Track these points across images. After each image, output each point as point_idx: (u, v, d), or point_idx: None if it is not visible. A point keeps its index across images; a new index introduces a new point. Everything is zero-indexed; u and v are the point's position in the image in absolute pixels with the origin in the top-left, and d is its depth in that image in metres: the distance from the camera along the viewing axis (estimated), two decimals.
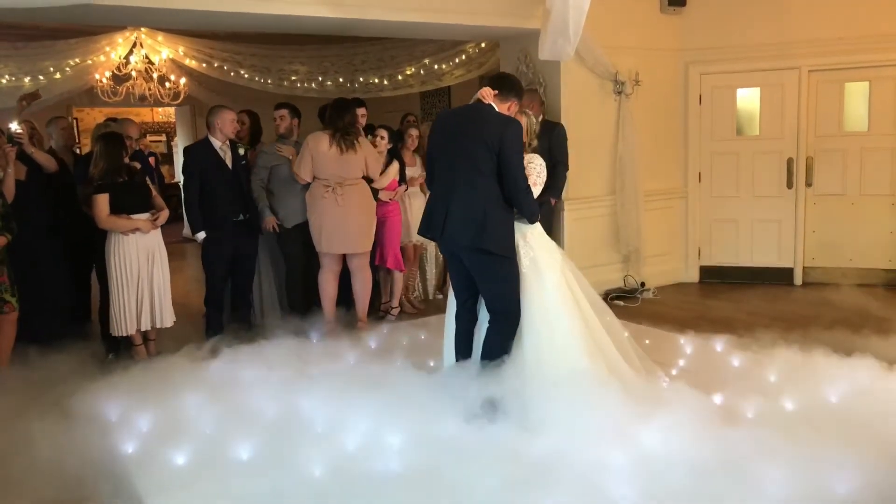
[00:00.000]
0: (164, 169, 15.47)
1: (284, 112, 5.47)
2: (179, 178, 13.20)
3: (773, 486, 2.68)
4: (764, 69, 6.59)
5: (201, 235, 5.09)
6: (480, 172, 3.41)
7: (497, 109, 3.54)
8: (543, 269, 3.53)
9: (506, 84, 3.62)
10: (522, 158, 3.50)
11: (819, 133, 6.59)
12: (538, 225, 3.70)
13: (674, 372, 4.22)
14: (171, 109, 13.08)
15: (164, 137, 15.53)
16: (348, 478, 2.94)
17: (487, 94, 3.54)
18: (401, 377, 3.84)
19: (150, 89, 8.04)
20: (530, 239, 3.63)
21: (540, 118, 5.83)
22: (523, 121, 3.68)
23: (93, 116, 14.30)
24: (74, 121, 12.57)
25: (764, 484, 2.71)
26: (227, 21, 5.19)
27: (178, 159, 14.22)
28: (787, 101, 6.58)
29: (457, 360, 3.72)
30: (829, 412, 3.40)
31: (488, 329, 3.54)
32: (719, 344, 4.60)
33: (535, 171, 3.64)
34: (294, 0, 4.72)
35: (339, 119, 5.16)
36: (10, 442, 3.52)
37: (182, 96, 8.43)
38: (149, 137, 15.44)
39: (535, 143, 3.78)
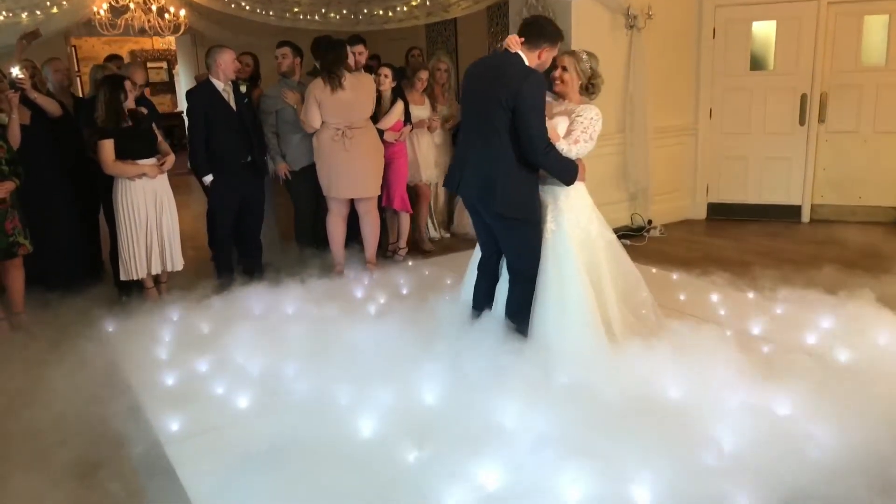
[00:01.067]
0: (167, 98, 15.30)
1: (286, 50, 5.36)
2: (181, 107, 13.13)
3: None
4: (781, 1, 6.38)
5: (209, 178, 5.07)
6: (496, 129, 3.24)
7: (526, 59, 3.30)
8: (567, 239, 3.36)
9: (533, 29, 3.31)
10: (540, 116, 3.22)
11: (835, 68, 6.44)
12: (577, 187, 3.43)
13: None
14: (172, 37, 12.80)
15: (164, 65, 15.25)
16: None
17: (514, 43, 3.30)
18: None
19: (148, 21, 7.81)
20: (563, 202, 3.42)
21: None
22: (571, 67, 3.44)
23: (91, 44, 14.04)
24: (73, 49, 12.35)
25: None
26: None
27: (180, 88, 14.02)
28: (804, 34, 6.40)
29: (473, 310, 3.73)
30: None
31: (509, 288, 3.50)
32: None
33: (581, 125, 3.34)
34: None
35: (323, 58, 5.08)
36: (31, 394, 3.61)
37: (183, 29, 8.21)
38: (149, 65, 15.19)
39: (595, 88, 3.51)
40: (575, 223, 3.40)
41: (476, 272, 3.76)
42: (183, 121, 12.80)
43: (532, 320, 3.37)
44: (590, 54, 3.53)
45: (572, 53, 3.54)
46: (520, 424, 2.81)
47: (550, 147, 3.26)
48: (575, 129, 3.36)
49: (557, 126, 3.38)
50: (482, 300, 3.69)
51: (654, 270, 5.20)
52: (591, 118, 3.39)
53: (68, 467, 2.92)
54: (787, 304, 4.25)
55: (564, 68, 3.49)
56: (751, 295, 4.53)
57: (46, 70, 5.24)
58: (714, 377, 3.03)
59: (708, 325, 3.75)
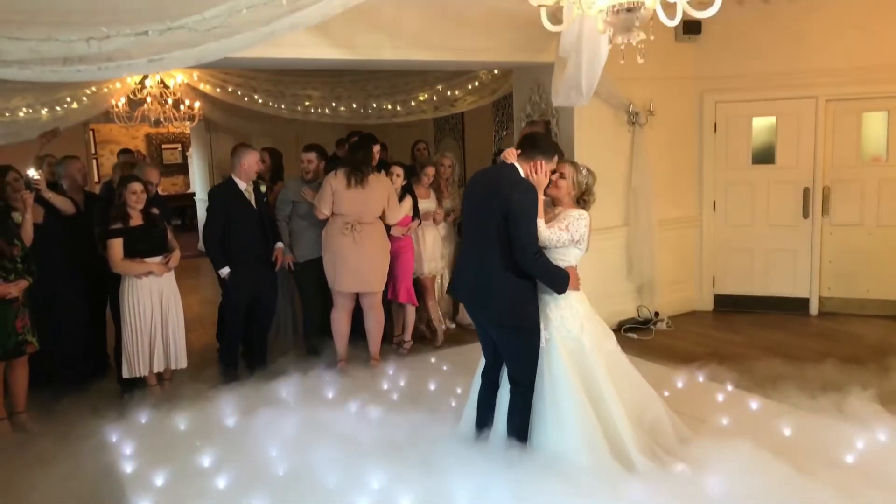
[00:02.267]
0: (180, 179, 15.63)
1: (312, 156, 5.47)
2: (194, 188, 13.39)
3: None
4: (780, 98, 6.53)
5: (226, 271, 5.10)
6: (491, 237, 3.32)
7: (521, 170, 3.42)
8: (557, 349, 3.35)
9: (527, 143, 3.48)
10: (530, 223, 3.28)
11: (836, 163, 6.52)
12: (567, 296, 3.41)
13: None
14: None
15: (178, 147, 15.63)
16: None
17: (510, 155, 3.45)
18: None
19: (164, 112, 8.09)
20: (552, 312, 3.41)
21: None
22: (569, 175, 3.52)
23: (109, 128, 14.44)
24: (91, 133, 12.71)
25: None
26: (242, 64, 5.23)
27: (192, 170, 14.34)
28: (804, 130, 6.52)
29: (477, 424, 3.67)
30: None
31: (510, 400, 3.46)
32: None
33: (564, 221, 3.40)
34: (307, 43, 4.71)
35: (354, 154, 5.21)
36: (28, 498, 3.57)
37: (197, 119, 8.49)
38: (164, 146, 15.59)
39: (586, 204, 3.57)
40: (566, 333, 3.39)
41: (479, 379, 3.72)
42: (194, 202, 13.08)
43: (531, 435, 3.33)
44: (590, 171, 3.63)
45: (574, 165, 3.64)
46: None
47: (540, 255, 3.31)
48: (561, 230, 3.42)
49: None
50: (485, 415, 3.64)
51: (660, 368, 5.13)
52: (575, 217, 3.46)
53: None
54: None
55: (562, 175, 3.58)
56: (754, 405, 4.43)
57: (60, 168, 5.35)
58: None
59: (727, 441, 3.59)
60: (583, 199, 3.60)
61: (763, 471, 3.34)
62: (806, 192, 6.59)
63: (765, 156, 6.79)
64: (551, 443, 3.25)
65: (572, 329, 3.40)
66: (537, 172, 3.41)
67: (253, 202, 5.15)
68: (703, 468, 3.34)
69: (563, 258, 3.44)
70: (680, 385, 4.83)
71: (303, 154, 5.54)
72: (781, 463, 3.38)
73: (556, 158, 3.50)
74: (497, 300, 3.33)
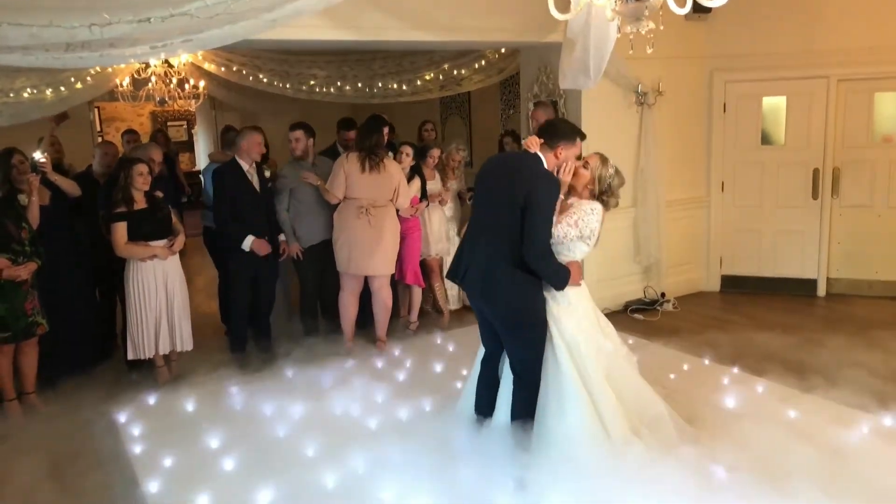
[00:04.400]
0: (186, 156, 15.59)
1: (300, 133, 5.39)
2: (200, 166, 13.36)
3: None
4: (791, 78, 6.44)
5: (249, 241, 5.06)
6: (505, 227, 3.25)
7: (544, 159, 3.33)
8: (560, 345, 3.29)
9: (549, 129, 3.40)
10: (547, 220, 3.20)
11: (847, 143, 6.45)
12: (567, 293, 3.32)
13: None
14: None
15: (184, 124, 15.58)
16: None
17: (533, 143, 3.35)
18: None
19: (169, 92, 8.04)
20: (553, 308, 3.33)
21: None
22: (587, 170, 3.40)
23: (114, 106, 14.38)
24: (96, 110, 12.67)
25: None
26: (247, 45, 5.17)
27: (198, 147, 14.31)
28: (815, 110, 6.44)
29: (476, 410, 3.68)
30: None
31: (513, 391, 3.44)
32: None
33: (576, 215, 3.26)
34: (312, 25, 4.66)
35: (366, 139, 5.16)
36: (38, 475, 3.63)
37: (202, 98, 8.44)
38: (169, 124, 15.54)
39: (612, 200, 3.46)
40: (566, 329, 3.31)
41: (479, 367, 3.71)
42: (200, 180, 13.05)
43: (534, 426, 3.32)
44: (618, 172, 3.49)
45: (603, 158, 3.49)
46: None
47: (548, 254, 3.24)
48: (571, 224, 3.31)
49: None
50: (484, 402, 3.64)
51: (665, 350, 5.15)
52: (587, 210, 3.34)
53: None
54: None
55: (586, 164, 3.45)
56: (760, 388, 4.44)
57: (97, 150, 5.48)
58: None
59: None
60: (602, 199, 3.46)
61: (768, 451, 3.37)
62: (815, 173, 6.52)
63: (774, 137, 6.72)
64: (553, 430, 3.24)
65: (570, 325, 3.32)
66: (565, 173, 3.33)
67: (256, 185, 5.13)
68: (706, 450, 3.38)
69: (568, 253, 3.35)
70: (685, 367, 4.84)
71: (290, 133, 5.47)
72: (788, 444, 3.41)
73: (578, 142, 3.41)
74: (506, 296, 3.27)
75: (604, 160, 3.47)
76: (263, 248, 5.12)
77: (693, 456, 3.29)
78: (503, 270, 3.27)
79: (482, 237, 3.38)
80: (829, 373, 4.44)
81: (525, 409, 3.37)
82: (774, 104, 6.67)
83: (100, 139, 11.25)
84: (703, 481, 3.10)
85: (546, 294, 3.36)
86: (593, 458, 3.11)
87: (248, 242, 5.07)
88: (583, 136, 3.46)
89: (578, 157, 3.49)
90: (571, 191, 3.48)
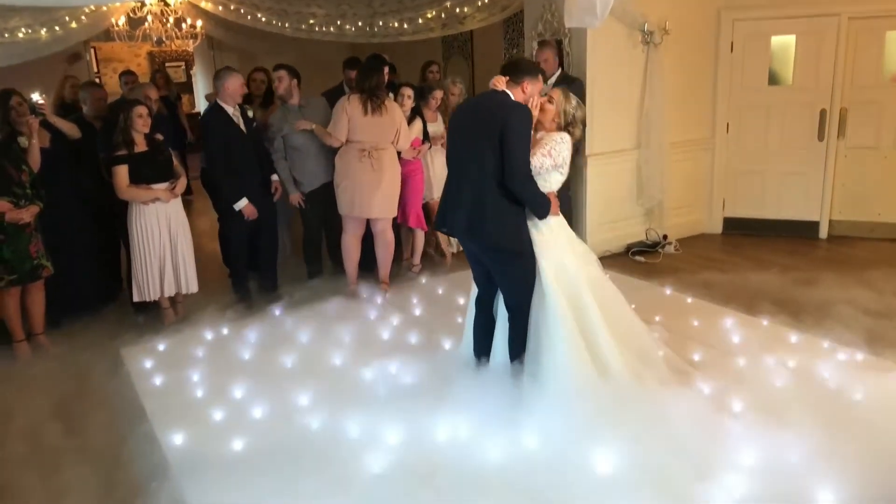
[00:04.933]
0: (185, 98, 15.40)
1: (283, 73, 5.30)
2: (200, 108, 13.22)
3: None
4: (801, 16, 6.29)
5: (242, 203, 5.06)
6: (483, 163, 3.30)
7: (512, 95, 3.41)
8: (545, 275, 3.37)
9: (512, 67, 3.50)
10: (525, 145, 3.29)
11: (855, 83, 6.34)
12: (548, 222, 3.45)
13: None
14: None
15: (182, 65, 15.34)
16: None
17: (499, 82, 3.45)
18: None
19: (165, 31, 7.88)
20: (536, 237, 3.43)
21: (553, 75, 5.70)
22: (552, 105, 3.50)
23: (111, 46, 14.13)
24: (93, 50, 12.46)
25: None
26: None
27: (197, 89, 14.11)
28: (824, 49, 6.31)
29: (475, 352, 3.74)
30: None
31: (509, 326, 3.51)
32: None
33: (555, 150, 3.38)
34: None
35: (366, 80, 5.09)
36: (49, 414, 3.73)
37: (199, 38, 8.29)
38: (167, 65, 15.29)
39: (576, 130, 3.55)
40: (550, 258, 3.41)
41: (474, 308, 3.77)
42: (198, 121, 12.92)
43: (526, 363, 3.40)
44: (580, 104, 3.59)
45: (566, 93, 3.59)
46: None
47: (530, 179, 3.33)
48: (545, 154, 3.40)
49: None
50: (481, 343, 3.71)
51: (668, 292, 5.19)
52: (557, 140, 3.44)
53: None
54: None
55: (550, 99, 3.56)
56: (765, 322, 4.49)
57: (85, 94, 5.37)
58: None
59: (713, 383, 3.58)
60: (568, 129, 3.55)
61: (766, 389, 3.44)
62: (822, 113, 6.44)
63: (782, 77, 6.61)
64: (543, 366, 3.31)
65: (555, 253, 3.43)
66: (533, 108, 3.41)
67: (242, 126, 5.07)
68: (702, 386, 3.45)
69: (545, 184, 3.43)
70: (680, 306, 4.88)
71: (273, 73, 5.40)
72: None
73: (541, 79, 3.51)
74: (492, 227, 3.33)
75: (566, 94, 3.59)
76: (253, 215, 5.10)
77: (689, 392, 3.38)
78: (489, 204, 3.32)
79: (465, 180, 3.41)
80: (823, 311, 4.49)
81: (522, 347, 3.45)
82: (783, 43, 6.53)
83: (96, 80, 11.10)
84: (705, 416, 3.16)
85: (529, 225, 3.44)
86: (585, 392, 3.18)
87: (241, 205, 5.05)
88: (545, 76, 3.62)
89: (543, 95, 3.58)
90: (538, 125, 3.57)
